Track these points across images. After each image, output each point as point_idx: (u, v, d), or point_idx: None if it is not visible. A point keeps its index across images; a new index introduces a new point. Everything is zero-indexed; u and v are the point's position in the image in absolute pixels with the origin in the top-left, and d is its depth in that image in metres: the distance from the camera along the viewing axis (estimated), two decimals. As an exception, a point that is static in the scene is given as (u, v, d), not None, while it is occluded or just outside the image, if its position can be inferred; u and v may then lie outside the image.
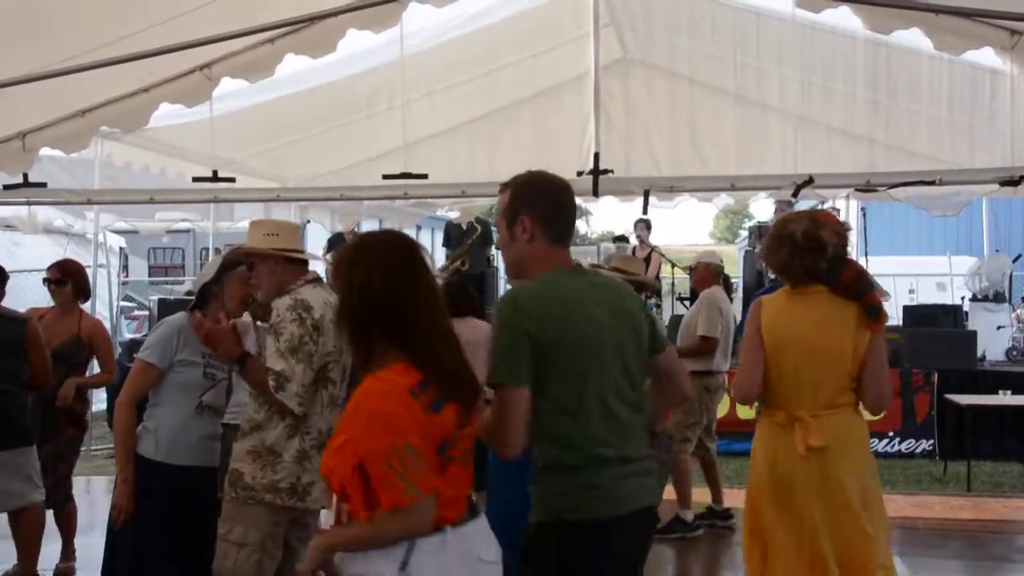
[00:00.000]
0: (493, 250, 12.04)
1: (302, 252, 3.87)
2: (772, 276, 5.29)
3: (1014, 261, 12.20)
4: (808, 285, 3.60)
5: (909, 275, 14.82)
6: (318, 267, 6.67)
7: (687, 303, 8.34)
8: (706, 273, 7.12)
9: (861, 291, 3.55)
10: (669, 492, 6.09)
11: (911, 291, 14.53)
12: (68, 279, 5.75)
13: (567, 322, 2.75)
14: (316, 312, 3.63)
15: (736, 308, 12.35)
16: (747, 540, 3.71)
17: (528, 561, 2.77)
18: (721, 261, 7.42)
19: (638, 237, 12.22)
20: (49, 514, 5.63)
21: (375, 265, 2.45)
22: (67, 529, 5.89)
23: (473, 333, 6.37)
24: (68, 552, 5.88)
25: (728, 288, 7.28)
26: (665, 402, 3.18)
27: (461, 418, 2.44)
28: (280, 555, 3.73)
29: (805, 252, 3.56)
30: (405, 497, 2.30)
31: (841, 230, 3.61)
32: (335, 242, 12.00)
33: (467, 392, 2.46)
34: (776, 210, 10.74)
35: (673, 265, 12.64)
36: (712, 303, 6.85)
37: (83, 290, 5.85)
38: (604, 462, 2.74)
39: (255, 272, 3.86)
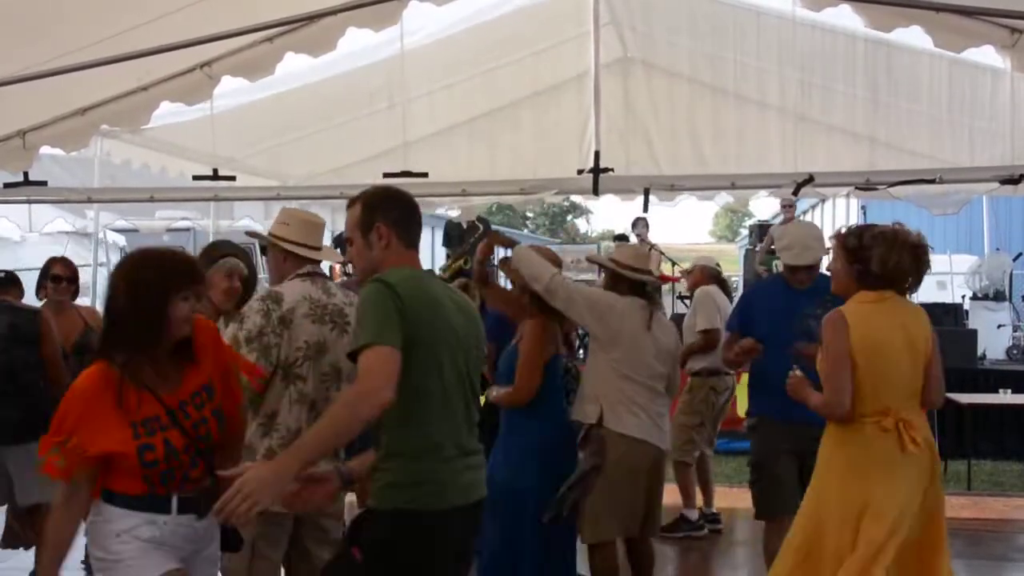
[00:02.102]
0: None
1: (300, 245, 3.76)
2: (770, 273, 5.22)
3: (1014, 260, 12.18)
4: (883, 291, 3.70)
5: (909, 273, 14.77)
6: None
7: (687, 301, 8.36)
8: (701, 275, 7.11)
9: None
10: (672, 491, 6.10)
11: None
12: (75, 277, 5.79)
13: (430, 311, 2.83)
14: (286, 306, 3.54)
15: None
16: (794, 556, 3.71)
17: (360, 545, 2.80)
18: (718, 265, 7.40)
19: (638, 235, 12.21)
20: None
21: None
22: None
23: None
24: None
25: (726, 289, 7.25)
26: None
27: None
28: (278, 556, 3.67)
29: (920, 259, 3.72)
30: None
31: None
32: (339, 241, 11.95)
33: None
34: (782, 204, 10.77)
35: (673, 264, 12.65)
36: (707, 298, 6.82)
37: (78, 290, 5.92)
38: (447, 453, 2.83)
39: (267, 258, 3.87)
